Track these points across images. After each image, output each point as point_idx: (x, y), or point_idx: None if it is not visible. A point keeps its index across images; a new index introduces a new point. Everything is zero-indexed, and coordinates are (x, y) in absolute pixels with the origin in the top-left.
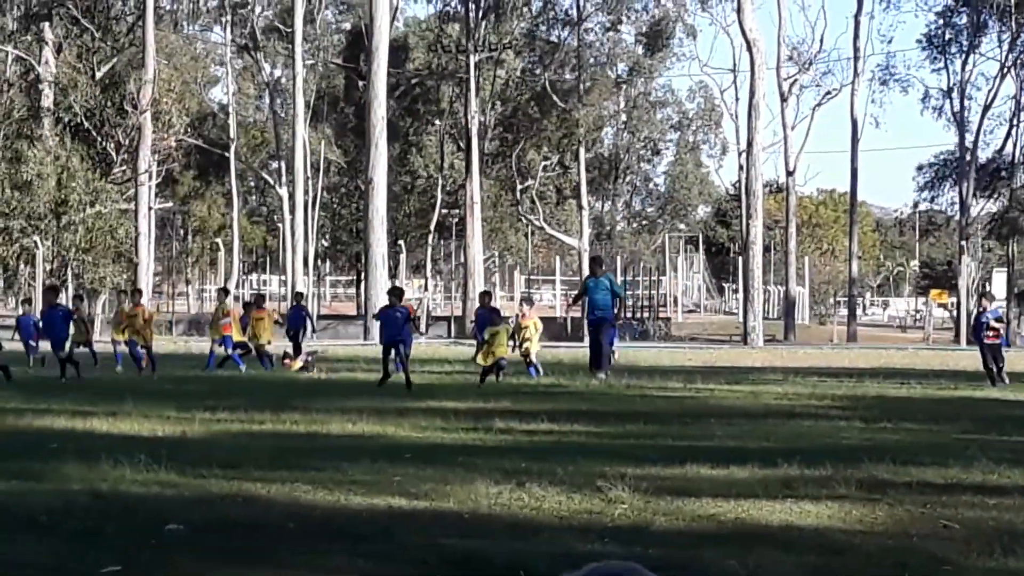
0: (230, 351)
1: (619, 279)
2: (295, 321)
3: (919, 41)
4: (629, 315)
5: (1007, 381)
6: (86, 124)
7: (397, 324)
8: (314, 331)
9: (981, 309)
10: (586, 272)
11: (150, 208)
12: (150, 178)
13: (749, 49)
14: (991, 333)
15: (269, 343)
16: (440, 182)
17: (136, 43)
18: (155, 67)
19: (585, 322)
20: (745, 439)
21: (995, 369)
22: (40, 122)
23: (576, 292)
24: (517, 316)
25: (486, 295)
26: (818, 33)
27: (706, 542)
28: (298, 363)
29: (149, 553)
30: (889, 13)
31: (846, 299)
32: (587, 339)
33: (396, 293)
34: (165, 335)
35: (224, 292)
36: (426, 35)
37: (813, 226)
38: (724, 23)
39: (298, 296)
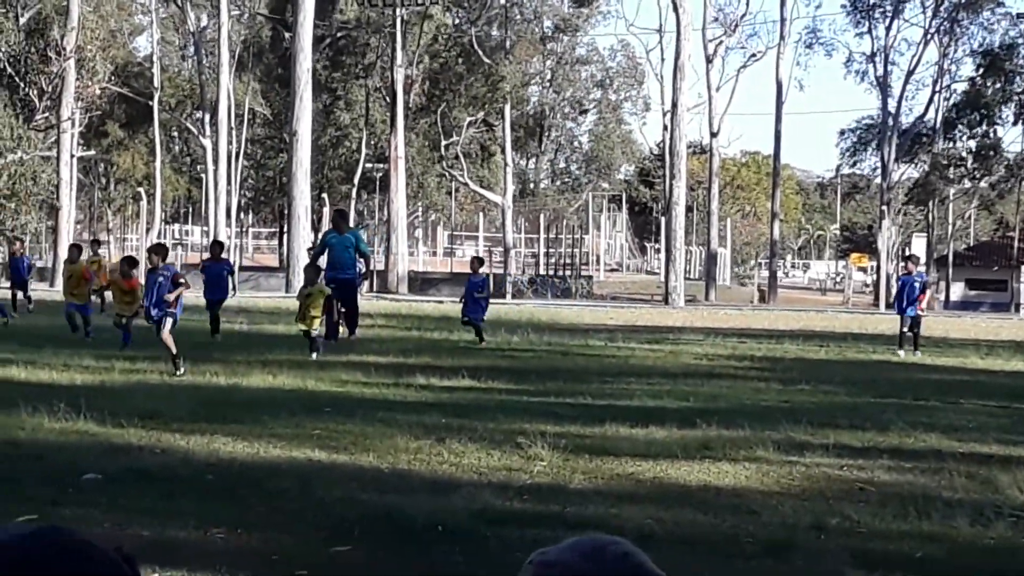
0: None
1: (360, 238)
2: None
3: (844, 6)
4: (551, 272)
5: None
6: (9, 70)
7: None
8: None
9: (907, 272)
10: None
11: (72, 156)
12: (73, 125)
13: (675, 9)
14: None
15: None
16: (365, 136)
17: None
18: (80, 14)
19: (324, 281)
20: (664, 399)
21: (916, 334)
22: None
23: (316, 248)
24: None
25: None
26: None
27: (624, 501)
28: None
29: (66, 503)
30: None
31: (767, 261)
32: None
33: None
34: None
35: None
36: None
37: (736, 188)
38: None
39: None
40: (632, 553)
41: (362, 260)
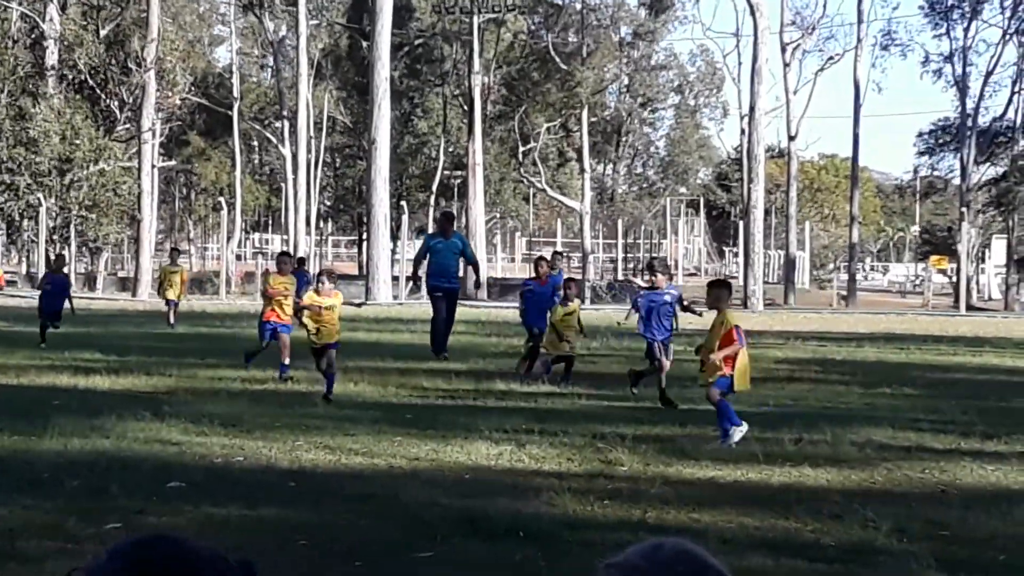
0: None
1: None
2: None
3: (921, 7)
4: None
5: None
6: (90, 82)
7: None
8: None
9: None
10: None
11: (153, 166)
12: (153, 136)
13: (752, 13)
14: None
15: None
16: (443, 144)
17: (141, 1)
18: (159, 25)
19: (427, 290)
20: (745, 403)
21: None
22: (45, 79)
23: (417, 253)
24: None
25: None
26: None
27: (705, 505)
28: None
29: (151, 511)
30: None
31: (846, 264)
32: (432, 310)
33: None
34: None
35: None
36: None
37: (814, 191)
38: None
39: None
40: (688, 549)
41: (471, 267)
